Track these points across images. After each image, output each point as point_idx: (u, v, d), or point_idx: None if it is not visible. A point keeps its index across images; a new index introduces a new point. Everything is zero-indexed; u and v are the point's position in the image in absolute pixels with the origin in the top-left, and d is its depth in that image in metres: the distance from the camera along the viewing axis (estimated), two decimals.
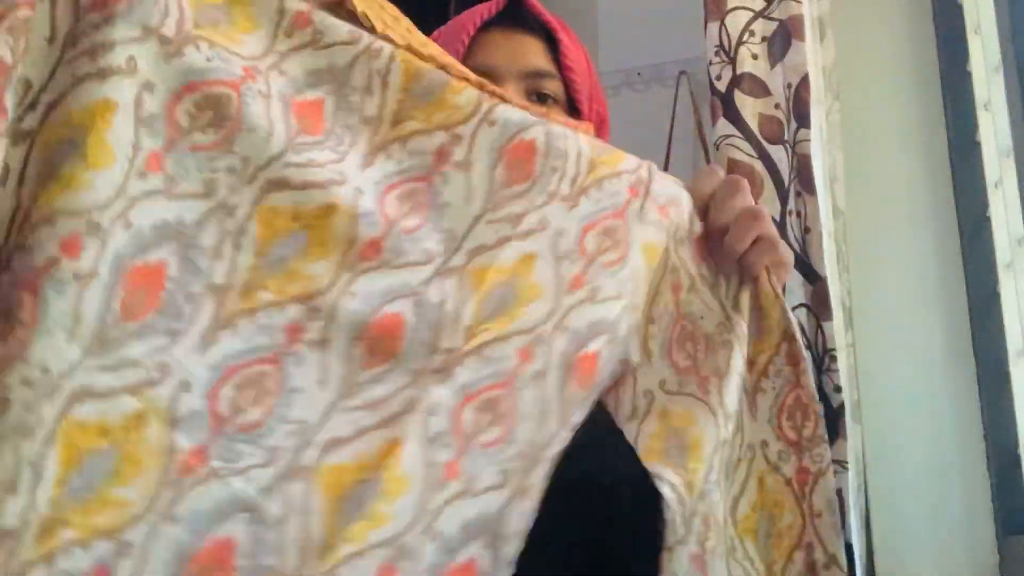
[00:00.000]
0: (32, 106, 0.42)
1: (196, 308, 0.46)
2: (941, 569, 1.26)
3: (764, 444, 0.67)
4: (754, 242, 0.65)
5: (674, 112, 1.50)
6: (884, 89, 1.43)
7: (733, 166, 1.08)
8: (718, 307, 0.66)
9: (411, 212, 0.54)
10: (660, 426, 0.62)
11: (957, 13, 1.40)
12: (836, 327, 1.09)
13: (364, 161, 0.53)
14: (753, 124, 1.08)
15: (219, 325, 0.46)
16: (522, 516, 0.51)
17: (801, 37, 1.08)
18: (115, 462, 0.42)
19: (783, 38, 1.10)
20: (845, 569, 0.65)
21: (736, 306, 0.66)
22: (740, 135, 1.08)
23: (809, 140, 1.05)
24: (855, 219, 1.34)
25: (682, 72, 1.52)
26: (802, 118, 1.06)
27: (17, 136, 0.41)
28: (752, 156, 1.07)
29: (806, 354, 0.68)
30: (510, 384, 0.54)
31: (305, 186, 0.49)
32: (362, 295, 0.51)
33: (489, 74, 0.78)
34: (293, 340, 0.48)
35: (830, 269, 1.10)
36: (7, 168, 0.41)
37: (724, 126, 1.09)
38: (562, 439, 0.54)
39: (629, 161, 0.64)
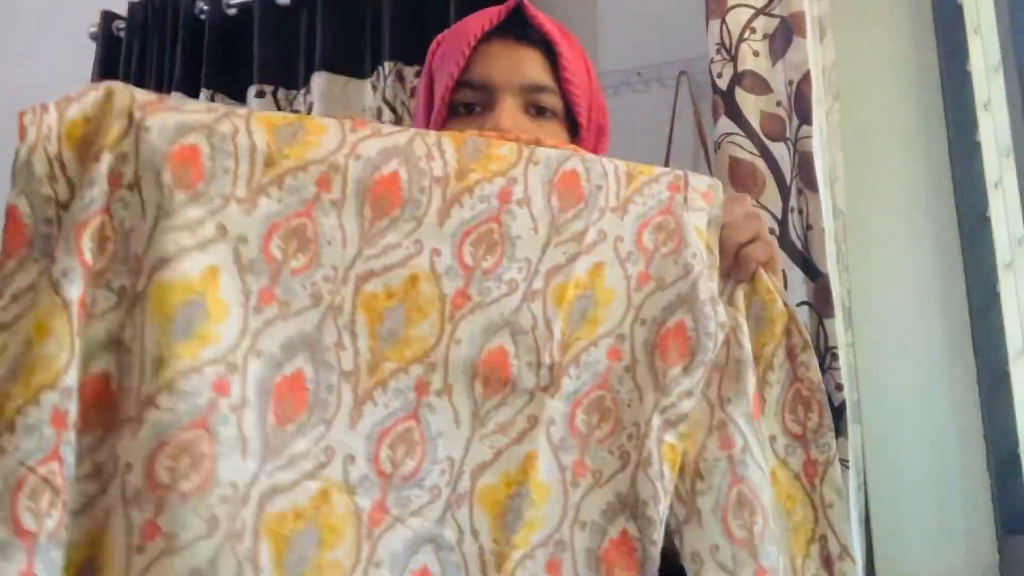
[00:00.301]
0: (139, 271, 0.52)
1: (338, 396, 0.56)
2: (941, 569, 1.26)
3: (772, 439, 0.68)
4: (750, 240, 0.69)
5: (674, 112, 1.50)
6: (884, 89, 1.43)
7: (735, 164, 1.08)
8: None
9: (487, 252, 0.62)
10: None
11: (957, 13, 1.40)
12: (836, 326, 1.09)
13: (440, 216, 0.61)
14: (755, 122, 1.08)
15: (360, 402, 0.57)
16: (651, 480, 0.59)
17: (802, 34, 1.08)
18: (318, 535, 0.53)
19: (784, 35, 1.10)
20: (856, 558, 0.67)
21: (732, 301, 0.69)
22: (742, 133, 1.08)
23: (811, 137, 1.05)
24: (855, 219, 1.34)
25: (682, 72, 1.51)
26: (804, 115, 1.06)
27: (134, 299, 0.52)
28: (754, 154, 1.07)
29: (808, 347, 0.69)
30: (607, 383, 0.63)
31: (387, 269, 0.59)
32: (466, 339, 0.60)
33: (488, 87, 0.78)
34: (422, 394, 0.58)
35: (831, 268, 1.10)
36: (123, 325, 0.51)
37: (725, 124, 1.09)
38: (663, 406, 0.62)
39: (662, 168, 0.71)
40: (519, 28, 0.80)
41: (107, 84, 0.56)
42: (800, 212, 1.06)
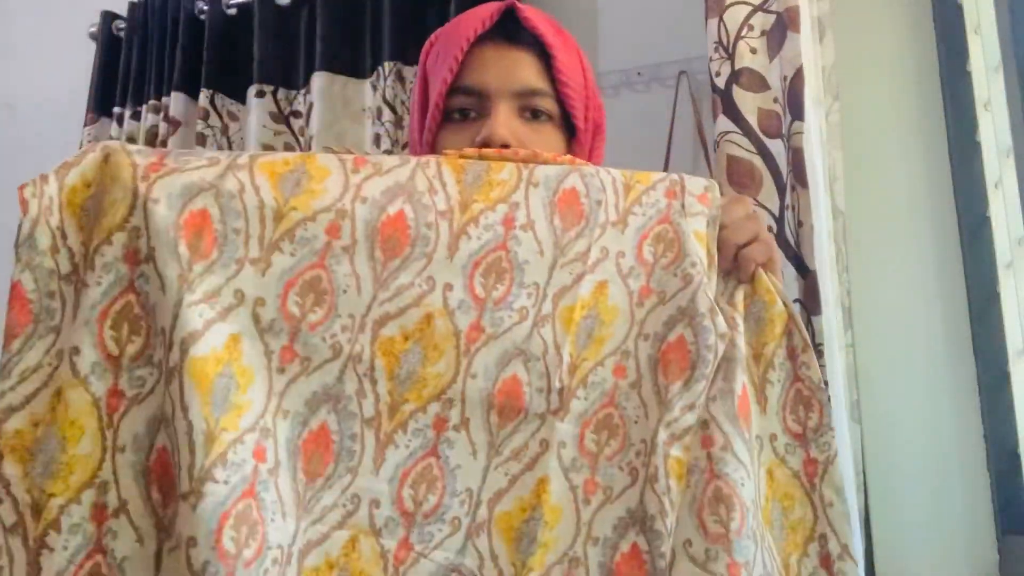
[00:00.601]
0: (170, 346, 0.54)
1: (361, 443, 0.59)
2: (941, 569, 1.26)
3: (773, 437, 0.69)
4: (749, 241, 0.70)
5: (674, 112, 1.50)
6: (884, 89, 1.43)
7: (733, 163, 1.08)
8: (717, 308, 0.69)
9: (497, 281, 0.64)
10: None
11: (957, 13, 1.40)
12: (836, 327, 1.09)
13: (449, 250, 0.63)
14: (752, 119, 1.08)
15: (382, 446, 0.59)
16: (658, 495, 0.61)
17: (796, 29, 1.08)
18: None
19: (780, 31, 1.10)
20: (856, 559, 0.67)
21: (731, 301, 0.69)
22: (739, 131, 1.08)
23: (802, 133, 1.05)
24: (855, 219, 1.34)
25: (682, 72, 1.51)
26: (796, 110, 1.06)
27: (170, 374, 0.53)
28: (751, 152, 1.07)
29: (809, 347, 0.69)
30: (614, 401, 0.65)
31: (402, 311, 0.60)
32: (481, 373, 0.62)
33: (482, 93, 0.78)
34: (441, 431, 0.60)
35: (830, 269, 1.10)
36: (172, 401, 0.53)
37: (723, 123, 1.09)
38: (666, 421, 0.63)
39: (659, 174, 0.72)
40: (512, 30, 0.79)
41: (104, 145, 0.57)
42: (792, 209, 1.06)
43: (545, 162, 0.69)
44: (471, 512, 0.60)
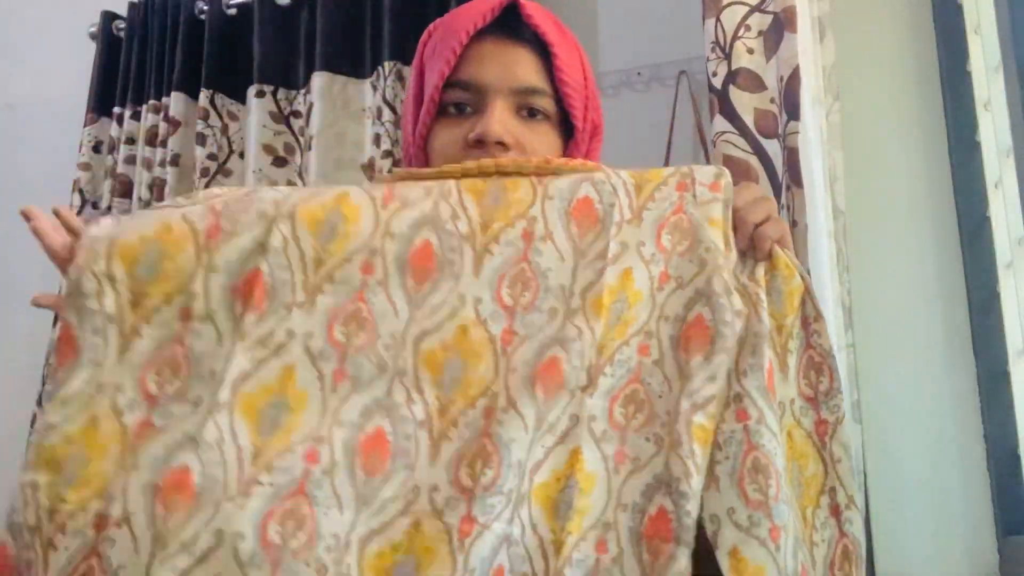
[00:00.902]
0: (216, 383, 0.60)
1: (416, 442, 0.63)
2: (941, 569, 1.26)
3: (792, 402, 0.73)
4: (763, 220, 0.72)
5: (674, 112, 1.50)
6: (884, 89, 1.43)
7: (729, 163, 1.08)
8: (740, 286, 0.72)
9: (523, 289, 0.68)
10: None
11: (957, 13, 1.40)
12: (836, 327, 1.09)
13: (475, 267, 0.68)
14: (748, 119, 1.08)
15: (437, 443, 0.63)
16: (682, 459, 0.63)
17: (793, 29, 1.08)
18: (416, 560, 0.60)
19: (777, 31, 1.10)
20: (860, 508, 0.72)
21: (752, 276, 0.72)
22: (735, 131, 1.08)
23: (798, 133, 1.05)
24: (855, 219, 1.34)
25: (682, 72, 1.52)
26: (793, 111, 1.06)
27: (218, 407, 0.60)
28: (747, 152, 1.07)
29: (821, 316, 0.74)
30: (639, 377, 0.69)
31: (438, 326, 0.66)
32: (520, 366, 0.66)
33: (479, 88, 0.77)
34: (490, 417, 0.64)
35: (830, 269, 1.10)
36: (220, 430, 0.59)
37: (720, 123, 1.09)
38: (688, 391, 0.66)
39: (669, 169, 0.75)
40: (513, 26, 0.78)
41: (163, 214, 0.64)
42: (788, 209, 1.06)
43: (558, 169, 0.72)
44: (519, 483, 0.63)
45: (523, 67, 0.78)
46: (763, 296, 0.71)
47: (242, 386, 0.61)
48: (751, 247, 0.73)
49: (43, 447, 0.58)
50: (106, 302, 0.61)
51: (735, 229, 0.73)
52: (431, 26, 0.85)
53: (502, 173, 0.72)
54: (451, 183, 0.70)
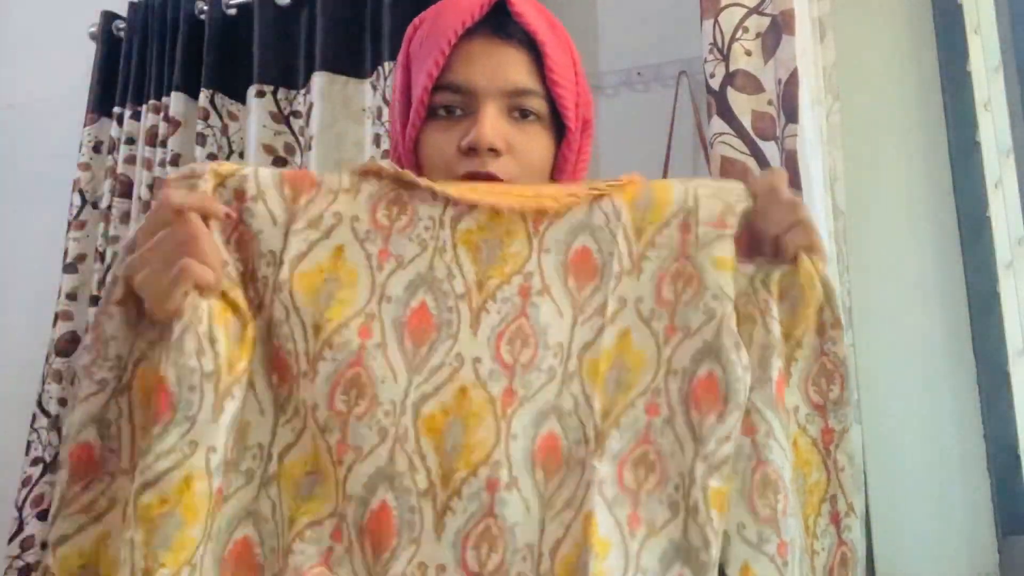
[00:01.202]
0: (267, 460, 0.66)
1: (420, 515, 0.63)
2: (941, 569, 1.26)
3: (796, 409, 0.71)
4: (791, 226, 0.69)
5: (674, 112, 1.50)
6: (884, 89, 1.43)
7: (726, 164, 1.08)
8: (750, 290, 0.70)
9: (523, 347, 0.67)
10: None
11: (957, 13, 1.40)
12: None
13: (472, 328, 0.67)
14: (746, 121, 1.08)
15: (439, 515, 0.64)
16: (700, 527, 0.63)
17: (791, 32, 1.08)
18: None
19: (775, 33, 1.10)
20: (861, 516, 0.72)
21: (766, 281, 0.70)
22: (733, 133, 1.08)
23: (796, 136, 1.04)
24: (855, 219, 1.34)
25: (682, 72, 1.51)
26: (791, 113, 1.05)
27: (270, 481, 0.66)
28: (745, 153, 1.07)
29: (839, 323, 0.71)
30: (648, 438, 0.67)
31: (437, 389, 0.66)
32: (521, 433, 0.65)
33: (469, 90, 0.75)
34: (494, 491, 0.64)
35: (829, 269, 1.10)
36: (272, 500, 0.66)
37: (717, 124, 1.09)
38: (703, 455, 0.65)
39: (673, 202, 0.72)
40: (502, 24, 0.76)
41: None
42: None
43: (547, 207, 0.71)
44: (535, 565, 0.63)
45: (513, 68, 0.76)
46: (773, 304, 0.69)
47: (287, 456, 0.65)
48: (775, 251, 0.70)
49: (141, 505, 0.60)
50: (205, 362, 0.63)
51: (757, 235, 0.70)
52: (417, 19, 0.82)
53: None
54: (447, 240, 0.69)
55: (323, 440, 0.64)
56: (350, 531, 0.63)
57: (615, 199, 0.71)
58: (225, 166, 0.68)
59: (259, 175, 0.68)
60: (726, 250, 0.69)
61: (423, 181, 0.69)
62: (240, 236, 0.67)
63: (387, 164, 0.69)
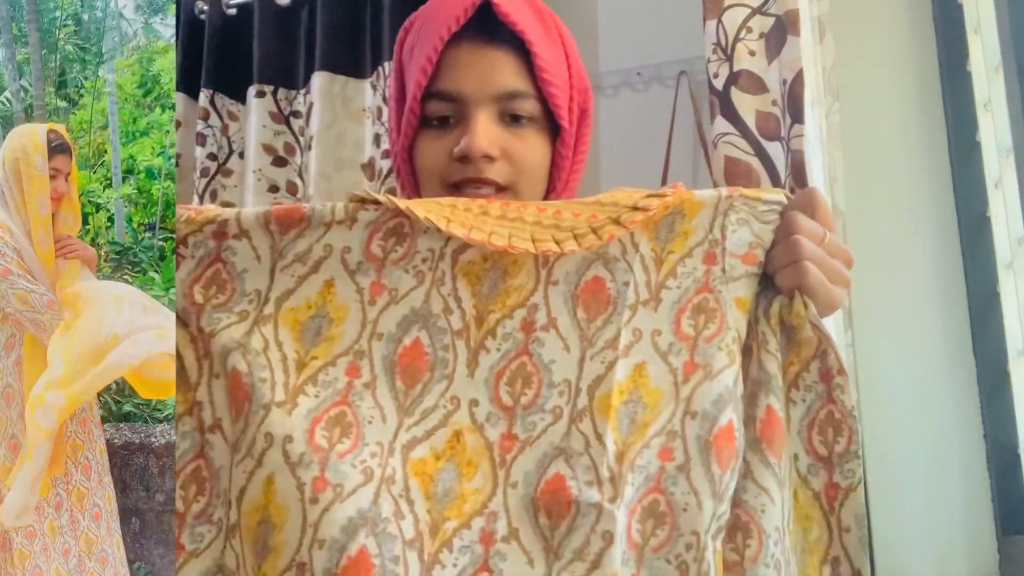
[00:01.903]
0: (227, 507, 0.60)
1: (404, 565, 0.57)
2: (941, 569, 1.26)
3: (795, 457, 0.66)
4: (784, 265, 0.65)
5: (674, 112, 1.50)
6: (884, 89, 1.43)
7: (730, 164, 1.08)
8: (752, 319, 0.66)
9: (524, 387, 0.62)
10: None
11: (957, 13, 1.40)
12: (836, 327, 1.09)
13: (469, 367, 0.62)
14: (750, 121, 1.08)
15: (428, 567, 0.58)
16: None
17: (796, 32, 1.08)
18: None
19: (779, 33, 1.10)
20: None
21: (767, 312, 0.65)
22: (737, 133, 1.08)
23: (802, 136, 1.05)
24: (855, 219, 1.34)
25: (682, 72, 1.51)
26: (796, 114, 1.06)
27: (229, 529, 0.61)
28: (749, 153, 1.07)
29: (844, 371, 0.66)
30: (659, 485, 0.61)
31: (429, 434, 0.61)
32: (522, 479, 0.60)
33: (459, 98, 0.74)
34: (489, 544, 0.59)
35: None
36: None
37: (721, 124, 1.09)
38: (720, 515, 0.60)
39: (698, 230, 0.65)
40: (488, 26, 0.74)
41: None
42: None
43: (564, 249, 0.64)
44: None
45: (502, 71, 0.74)
46: (771, 338, 0.64)
47: (243, 501, 0.59)
48: (781, 273, 0.65)
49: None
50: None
51: (780, 236, 0.65)
52: (408, 20, 0.81)
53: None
54: (446, 271, 0.63)
55: (292, 477, 0.58)
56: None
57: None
58: (206, 211, 0.62)
59: (241, 216, 0.62)
60: (749, 291, 0.65)
61: (424, 214, 0.62)
62: (215, 274, 0.62)
63: (384, 197, 0.63)
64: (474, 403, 0.62)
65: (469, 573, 0.58)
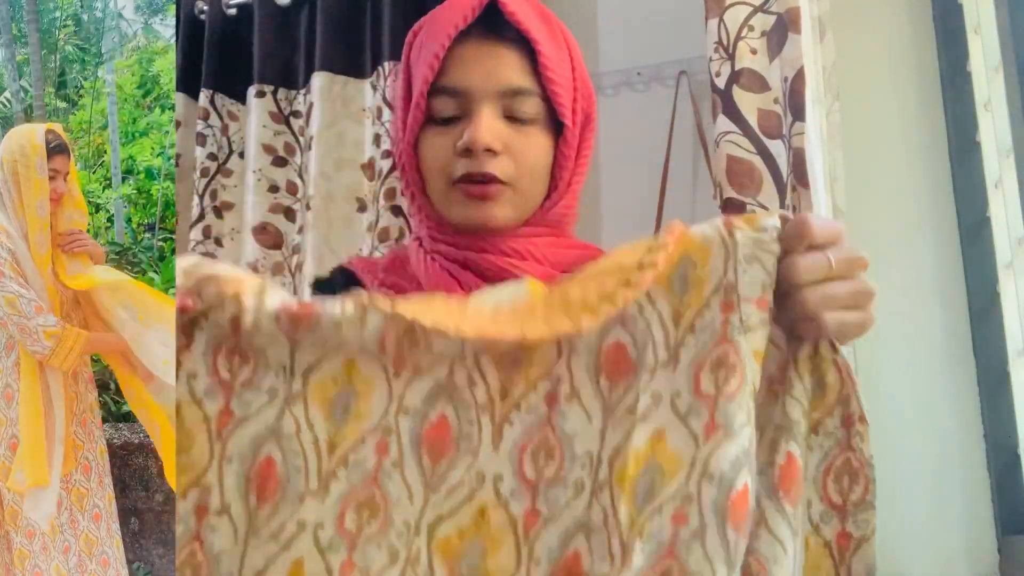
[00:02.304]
0: None
1: None
2: (941, 569, 1.26)
3: (809, 504, 0.64)
4: (801, 320, 0.61)
5: (674, 112, 1.50)
6: (884, 89, 1.43)
7: (733, 163, 1.08)
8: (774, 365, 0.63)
9: (547, 459, 0.61)
10: None
11: (957, 13, 1.41)
12: None
13: (494, 441, 0.61)
14: (752, 119, 1.08)
15: None
16: None
17: (797, 30, 1.08)
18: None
19: (780, 31, 1.10)
20: None
21: (796, 357, 0.62)
22: (739, 131, 1.08)
23: (803, 134, 1.05)
24: (855, 219, 1.34)
25: (682, 72, 1.51)
26: (797, 111, 1.06)
27: None
28: (751, 152, 1.07)
29: (865, 419, 0.64)
30: (672, 552, 0.58)
31: (453, 511, 0.60)
32: (544, 557, 0.59)
33: (463, 93, 0.75)
34: None
35: None
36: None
37: (723, 122, 1.09)
38: None
39: (711, 276, 0.61)
40: (495, 25, 0.75)
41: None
42: (793, 209, 1.06)
43: (582, 327, 0.61)
44: None
45: (507, 68, 0.75)
46: (797, 383, 0.62)
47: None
48: (800, 326, 0.61)
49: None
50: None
51: (785, 286, 0.61)
52: (416, 25, 0.83)
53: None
54: (467, 348, 0.61)
55: (321, 562, 0.58)
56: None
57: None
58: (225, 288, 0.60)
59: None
60: (764, 341, 0.60)
61: (432, 323, 0.60)
62: (235, 346, 0.60)
63: (388, 306, 0.60)
64: (499, 479, 0.61)
65: None
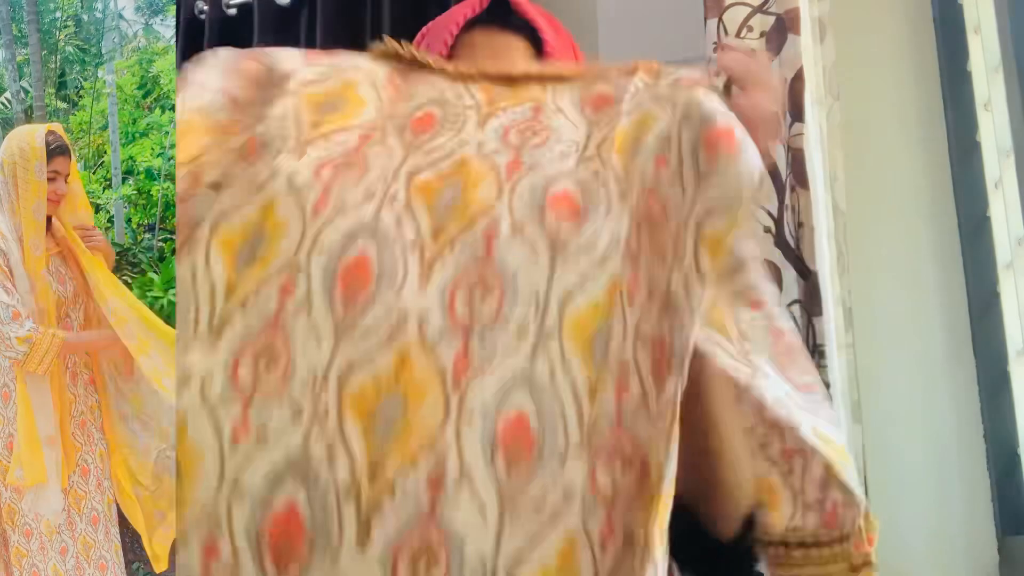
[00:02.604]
0: None
1: (339, 525, 0.49)
2: (941, 569, 1.26)
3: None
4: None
5: None
6: (884, 89, 1.43)
7: None
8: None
9: (485, 296, 0.53)
10: None
11: (957, 13, 1.40)
12: (836, 327, 1.09)
13: (421, 279, 0.54)
14: None
15: (364, 528, 0.48)
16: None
17: (796, 31, 1.08)
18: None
19: (780, 32, 1.10)
20: None
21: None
22: None
23: (802, 135, 1.05)
24: (855, 219, 1.34)
25: None
26: (797, 112, 1.06)
27: None
28: None
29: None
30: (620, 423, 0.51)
31: (369, 357, 0.51)
32: (479, 412, 0.50)
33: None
34: (436, 492, 0.49)
35: (830, 269, 1.10)
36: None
37: None
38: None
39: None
40: (502, 15, 0.78)
41: None
42: (792, 210, 1.06)
43: (568, 76, 0.65)
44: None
45: (514, 54, 0.78)
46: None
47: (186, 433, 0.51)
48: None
49: None
50: None
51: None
52: (424, 29, 0.85)
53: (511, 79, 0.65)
54: (399, 185, 0.57)
55: (208, 419, 0.50)
56: (234, 542, 0.48)
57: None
58: None
59: None
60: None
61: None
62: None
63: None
64: (424, 318, 0.52)
65: (413, 526, 0.49)
